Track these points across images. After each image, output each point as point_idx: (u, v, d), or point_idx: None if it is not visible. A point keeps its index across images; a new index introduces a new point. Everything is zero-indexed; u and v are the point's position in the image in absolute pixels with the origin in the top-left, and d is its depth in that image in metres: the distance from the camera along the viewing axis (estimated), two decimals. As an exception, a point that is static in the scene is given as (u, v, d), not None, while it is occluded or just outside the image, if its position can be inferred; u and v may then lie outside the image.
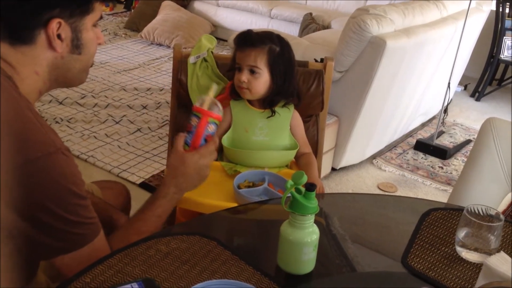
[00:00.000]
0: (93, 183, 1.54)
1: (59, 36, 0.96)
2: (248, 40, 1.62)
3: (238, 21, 5.13)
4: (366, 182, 2.91)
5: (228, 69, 1.72)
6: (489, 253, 1.02)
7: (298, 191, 0.98)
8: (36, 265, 1.09)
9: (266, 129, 1.67)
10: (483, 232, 1.05)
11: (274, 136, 1.68)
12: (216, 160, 1.70)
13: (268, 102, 1.67)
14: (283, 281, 0.99)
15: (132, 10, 5.80)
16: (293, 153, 1.68)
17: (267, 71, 1.61)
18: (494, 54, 4.20)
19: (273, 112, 1.67)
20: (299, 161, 1.72)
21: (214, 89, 1.32)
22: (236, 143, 1.67)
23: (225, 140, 1.66)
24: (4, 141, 0.84)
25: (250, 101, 1.69)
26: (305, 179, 0.98)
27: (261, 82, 1.62)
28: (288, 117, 1.70)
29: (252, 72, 1.60)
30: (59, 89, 3.69)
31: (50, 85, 1.02)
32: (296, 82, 1.72)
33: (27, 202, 0.89)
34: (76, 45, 1.00)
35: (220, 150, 1.74)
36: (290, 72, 1.66)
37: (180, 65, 1.80)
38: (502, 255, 0.89)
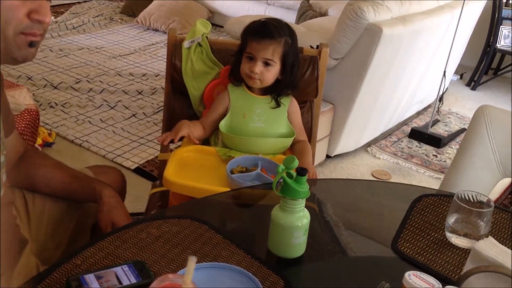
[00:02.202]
0: (87, 168, 1.54)
1: None
2: (268, 32, 1.59)
3: (235, 7, 5.09)
4: (361, 169, 2.92)
5: (233, 54, 1.69)
6: (479, 239, 1.03)
7: (289, 175, 0.99)
8: None
9: (263, 115, 1.67)
10: (473, 218, 1.05)
11: (271, 123, 1.67)
12: (211, 145, 1.71)
13: (274, 93, 1.67)
14: (273, 264, 0.99)
15: (128, -5, 5.75)
16: (289, 140, 1.68)
17: (279, 63, 1.61)
18: (490, 43, 4.20)
19: (279, 104, 1.68)
20: (293, 148, 1.72)
21: None
22: (233, 128, 1.66)
23: (223, 125, 1.66)
24: None
25: (249, 87, 1.68)
26: (296, 163, 0.98)
27: (273, 73, 1.62)
28: (286, 104, 1.70)
29: (266, 64, 1.60)
30: (53, 73, 3.69)
31: None
32: (299, 72, 1.73)
33: None
34: None
35: (215, 135, 1.74)
36: (298, 63, 1.67)
37: (174, 50, 1.79)
38: (491, 239, 0.90)
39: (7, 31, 0.92)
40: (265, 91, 1.68)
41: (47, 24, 0.96)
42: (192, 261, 0.71)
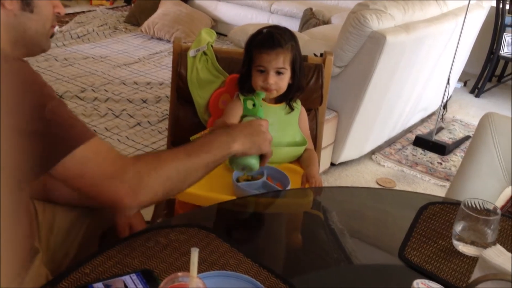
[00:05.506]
0: None
1: None
2: (276, 42, 1.59)
3: (238, 15, 5.12)
4: (365, 177, 2.91)
5: (242, 66, 1.69)
6: (486, 246, 1.03)
7: None
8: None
9: (276, 124, 1.67)
10: (480, 226, 1.05)
11: (283, 132, 1.68)
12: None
13: (288, 99, 1.68)
14: (281, 273, 0.99)
15: (132, 4, 5.79)
16: (302, 149, 1.69)
17: (290, 68, 1.62)
18: (494, 51, 4.20)
19: (292, 108, 1.70)
20: (301, 157, 1.73)
21: None
22: None
23: None
24: None
25: None
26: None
27: (286, 81, 1.63)
28: (297, 112, 1.71)
29: (279, 73, 1.61)
30: (58, 83, 3.71)
31: (12, 48, 1.00)
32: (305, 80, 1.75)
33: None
34: (27, 2, 0.98)
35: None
36: (302, 64, 1.68)
37: (180, 59, 1.80)
38: (498, 247, 0.90)
39: (46, 25, 1.03)
40: (278, 99, 1.69)
41: (62, 16, 1.11)
42: (194, 252, 0.72)
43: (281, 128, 1.67)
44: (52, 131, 0.89)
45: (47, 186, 1.25)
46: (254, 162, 1.19)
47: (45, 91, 0.91)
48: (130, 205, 0.96)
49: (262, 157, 1.21)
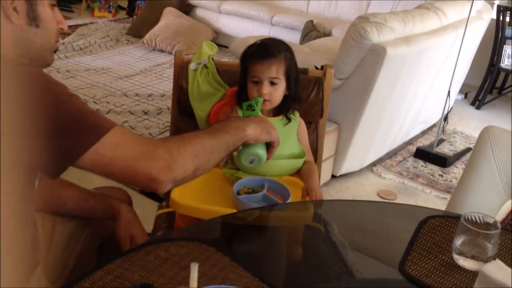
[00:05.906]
0: (94, 189, 1.56)
1: (14, 9, 0.98)
2: (268, 52, 1.61)
3: (239, 28, 5.15)
4: (366, 189, 2.91)
5: (240, 77, 1.69)
6: (486, 260, 1.03)
7: None
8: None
9: None
10: (480, 240, 1.05)
11: (283, 144, 1.67)
12: (219, 166, 1.72)
13: (284, 110, 1.68)
14: (282, 287, 0.99)
15: (134, 17, 5.82)
16: (301, 161, 1.68)
17: (284, 79, 1.63)
18: (494, 63, 4.22)
19: (289, 119, 1.69)
20: (301, 169, 1.73)
21: None
22: None
23: None
24: None
25: None
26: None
27: (280, 91, 1.64)
28: (295, 124, 1.71)
29: (272, 83, 1.61)
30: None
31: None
32: (304, 93, 1.75)
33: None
34: (33, 17, 1.01)
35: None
36: (298, 76, 1.69)
37: (181, 71, 1.81)
38: (498, 262, 0.90)
39: (51, 40, 1.06)
40: (275, 111, 1.69)
41: (65, 32, 1.13)
42: (194, 267, 0.73)
43: (280, 141, 1.67)
44: (78, 123, 0.94)
45: (48, 200, 1.26)
46: (262, 152, 1.28)
47: (64, 90, 0.95)
48: (165, 180, 1.00)
49: (269, 148, 1.29)
